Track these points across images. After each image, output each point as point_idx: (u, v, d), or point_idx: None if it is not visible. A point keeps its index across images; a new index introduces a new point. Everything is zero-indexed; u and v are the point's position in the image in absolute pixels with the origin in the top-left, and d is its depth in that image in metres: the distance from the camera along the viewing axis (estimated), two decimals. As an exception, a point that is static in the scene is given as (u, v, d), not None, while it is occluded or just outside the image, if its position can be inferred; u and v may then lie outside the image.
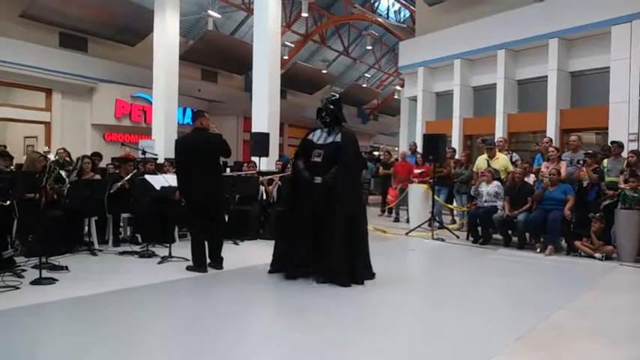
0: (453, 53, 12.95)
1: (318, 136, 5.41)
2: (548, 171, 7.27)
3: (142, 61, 16.99)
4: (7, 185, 4.72)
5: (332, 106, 5.36)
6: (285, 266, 5.25)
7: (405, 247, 7.97)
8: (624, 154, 7.39)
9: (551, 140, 8.68)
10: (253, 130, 12.13)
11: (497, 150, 8.74)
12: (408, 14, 24.79)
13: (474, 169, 8.80)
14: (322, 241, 5.06)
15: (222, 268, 5.60)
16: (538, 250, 7.14)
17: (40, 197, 5.43)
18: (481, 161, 8.71)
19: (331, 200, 5.04)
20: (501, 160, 8.54)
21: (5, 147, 13.99)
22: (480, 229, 7.92)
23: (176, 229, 7.26)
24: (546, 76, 10.89)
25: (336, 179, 5.08)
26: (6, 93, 16.27)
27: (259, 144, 10.47)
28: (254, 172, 8.94)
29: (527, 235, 7.56)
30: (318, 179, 5.14)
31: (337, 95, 5.65)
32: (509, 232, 7.73)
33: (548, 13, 10.85)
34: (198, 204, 5.53)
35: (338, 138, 5.29)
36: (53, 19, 16.13)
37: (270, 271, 5.36)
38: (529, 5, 11.37)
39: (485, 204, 7.81)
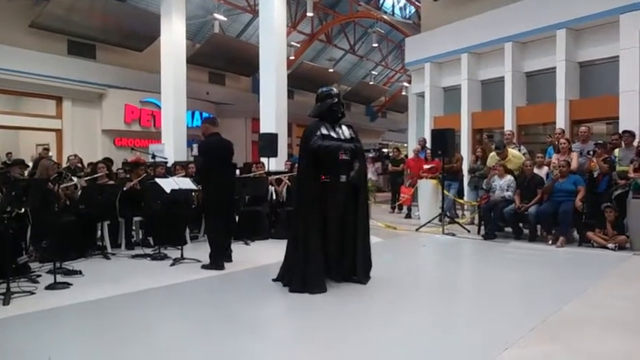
0: (459, 47, 12.87)
1: (333, 132, 4.95)
2: (558, 163, 7.22)
3: (150, 66, 17.12)
4: (21, 193, 4.77)
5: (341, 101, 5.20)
6: (296, 281, 4.70)
7: (416, 243, 7.95)
8: (636, 143, 7.32)
9: (563, 132, 8.59)
10: (261, 130, 12.16)
11: (507, 150, 8.37)
12: (413, 10, 24.70)
13: (488, 165, 8.63)
14: (347, 242, 4.92)
15: (231, 260, 5.94)
16: (550, 242, 7.11)
17: (53, 203, 5.51)
18: (492, 160, 8.51)
19: (355, 199, 4.94)
20: (516, 161, 8.22)
21: (11, 153, 14.20)
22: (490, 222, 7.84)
23: (187, 231, 7.31)
24: (554, 68, 10.79)
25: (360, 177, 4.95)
26: (17, 102, 16.52)
27: (268, 144, 10.49)
28: (262, 172, 8.98)
29: (538, 227, 7.51)
30: (343, 178, 4.82)
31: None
32: (520, 224, 7.69)
33: (554, 4, 10.75)
34: (227, 196, 5.93)
35: (352, 133, 5.07)
36: (61, 28, 16.29)
37: (275, 280, 4.99)
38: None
39: (499, 198, 7.74)
